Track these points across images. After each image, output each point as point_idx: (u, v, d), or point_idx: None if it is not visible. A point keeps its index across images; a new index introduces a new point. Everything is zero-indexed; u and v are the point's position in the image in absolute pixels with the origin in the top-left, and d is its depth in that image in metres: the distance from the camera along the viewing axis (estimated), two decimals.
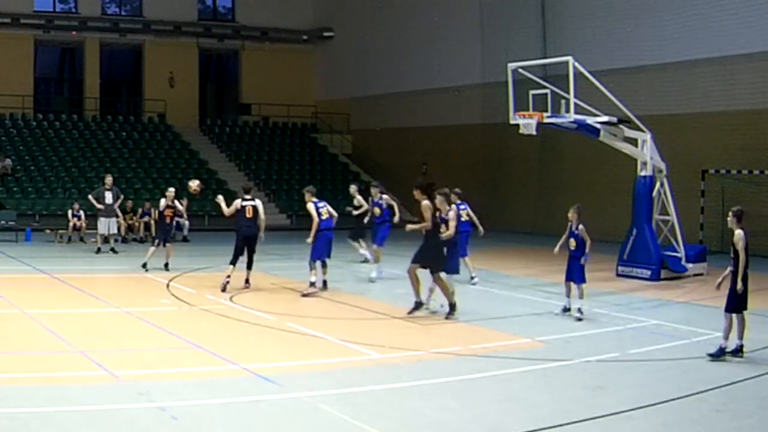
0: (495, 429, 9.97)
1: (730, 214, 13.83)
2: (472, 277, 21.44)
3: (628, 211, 24.28)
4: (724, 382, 11.93)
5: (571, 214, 17.09)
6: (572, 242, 17.06)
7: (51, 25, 44.92)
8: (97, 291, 19.12)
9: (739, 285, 13.43)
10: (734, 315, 13.54)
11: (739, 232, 13.56)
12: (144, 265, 22.53)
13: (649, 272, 22.68)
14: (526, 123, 22.38)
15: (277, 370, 12.09)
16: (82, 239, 30.02)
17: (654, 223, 23.50)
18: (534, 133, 22.57)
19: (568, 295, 17.20)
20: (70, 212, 30.45)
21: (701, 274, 23.58)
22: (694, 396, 11.24)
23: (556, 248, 17.34)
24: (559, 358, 13.39)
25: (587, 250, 16.89)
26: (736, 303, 13.51)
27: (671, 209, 23.55)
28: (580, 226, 16.96)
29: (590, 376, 12.40)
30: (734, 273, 13.56)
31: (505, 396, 11.29)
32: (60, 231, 30.34)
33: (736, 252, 13.53)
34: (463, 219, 20.21)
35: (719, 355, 13.39)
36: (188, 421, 9.81)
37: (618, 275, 23.26)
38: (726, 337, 13.48)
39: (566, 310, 17.11)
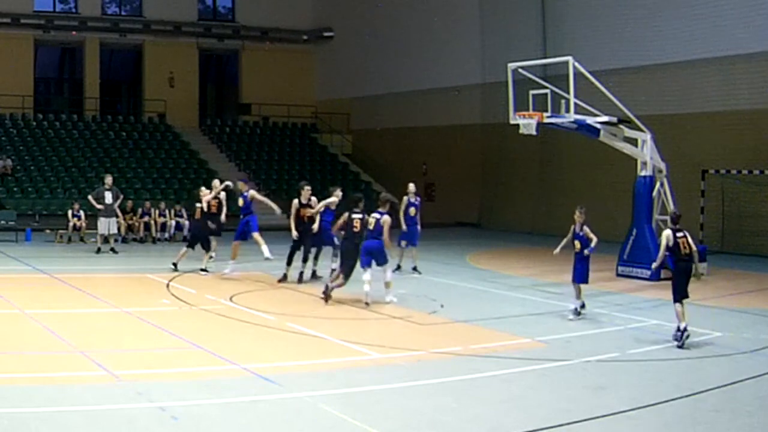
0: (495, 429, 9.97)
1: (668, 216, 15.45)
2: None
3: (629, 211, 24.29)
4: (724, 382, 11.94)
5: (577, 216, 17.06)
6: (577, 244, 17.02)
7: (51, 25, 44.98)
8: (97, 291, 19.08)
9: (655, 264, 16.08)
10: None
11: (667, 232, 15.27)
12: (205, 269, 22.41)
13: (649, 272, 22.63)
14: (526, 123, 22.37)
15: (277, 370, 12.09)
16: (82, 239, 29.99)
17: (654, 223, 23.48)
18: (534, 133, 22.56)
19: (578, 297, 17.10)
20: (70, 212, 30.42)
21: (702, 274, 23.56)
22: (694, 396, 11.24)
23: (557, 249, 17.35)
24: (559, 358, 13.39)
25: (593, 245, 16.88)
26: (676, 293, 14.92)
27: (671, 209, 23.50)
28: (584, 228, 16.94)
29: (590, 376, 12.41)
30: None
31: (505, 396, 11.29)
32: (60, 231, 30.33)
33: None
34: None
35: (681, 337, 14.46)
36: (188, 421, 9.81)
37: (618, 275, 23.25)
38: (680, 320, 14.65)
39: (578, 312, 16.98)
